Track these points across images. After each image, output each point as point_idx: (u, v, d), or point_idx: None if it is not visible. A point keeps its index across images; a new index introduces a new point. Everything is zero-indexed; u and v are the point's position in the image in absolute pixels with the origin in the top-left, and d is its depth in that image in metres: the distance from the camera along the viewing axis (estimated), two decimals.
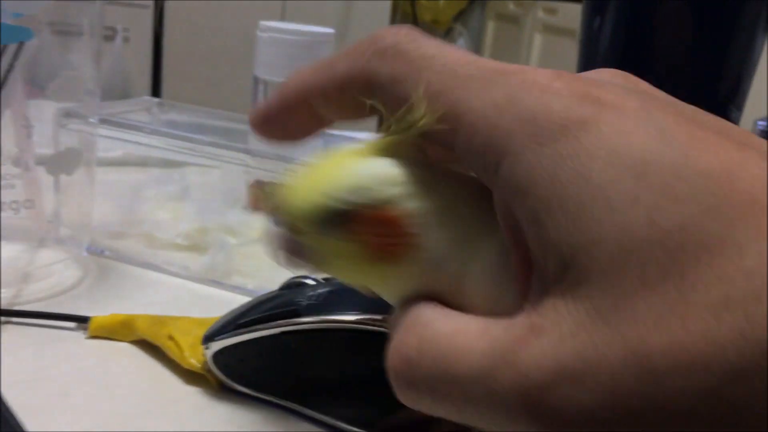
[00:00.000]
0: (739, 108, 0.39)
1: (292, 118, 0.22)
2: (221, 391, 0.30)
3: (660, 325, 0.15)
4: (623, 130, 0.16)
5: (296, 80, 0.22)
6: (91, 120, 0.37)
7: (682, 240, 0.15)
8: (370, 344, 0.28)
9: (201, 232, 0.43)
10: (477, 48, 2.38)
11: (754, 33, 0.39)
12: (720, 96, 0.39)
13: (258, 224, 0.45)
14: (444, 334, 0.18)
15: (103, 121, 0.40)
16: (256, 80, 0.50)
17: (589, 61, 0.42)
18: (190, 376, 0.31)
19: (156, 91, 1.89)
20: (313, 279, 0.32)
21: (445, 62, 0.19)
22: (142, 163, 0.47)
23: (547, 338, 0.16)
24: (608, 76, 0.20)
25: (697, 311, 0.14)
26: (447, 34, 2.37)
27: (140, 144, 0.42)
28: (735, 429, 0.14)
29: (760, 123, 0.45)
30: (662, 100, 0.18)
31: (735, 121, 0.39)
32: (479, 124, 0.17)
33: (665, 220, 0.15)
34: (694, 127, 0.16)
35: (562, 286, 0.16)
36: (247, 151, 0.42)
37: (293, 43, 0.48)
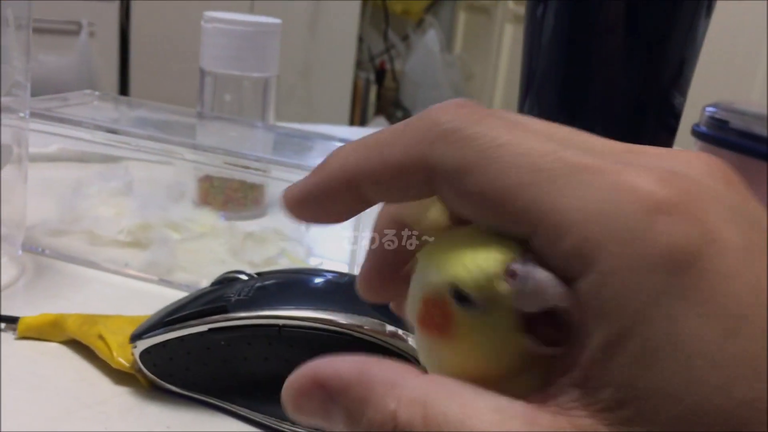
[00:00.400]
0: (683, 94, 0.39)
1: (335, 201, 0.21)
2: (152, 391, 0.30)
3: None
4: (725, 273, 0.15)
5: (341, 161, 0.20)
6: (22, 114, 0.36)
7: (747, 417, 0.15)
8: (300, 340, 0.28)
9: (143, 228, 0.42)
10: (448, 39, 2.38)
11: (696, 19, 0.39)
12: (663, 82, 0.38)
13: (204, 219, 0.45)
14: (454, 412, 0.17)
15: (36, 116, 0.38)
16: (202, 72, 0.49)
17: (533, 50, 0.42)
18: (119, 376, 0.30)
19: (124, 85, 1.86)
20: (246, 274, 0.31)
21: (519, 151, 0.17)
22: (79, 158, 0.46)
23: None
24: (701, 170, 0.18)
25: None
26: (418, 26, 2.36)
27: (77, 139, 0.41)
28: None
29: (709, 109, 0.44)
30: (761, 231, 0.17)
31: (679, 106, 0.39)
32: (564, 228, 0.16)
33: (740, 393, 0.15)
34: None
35: (612, 417, 0.15)
36: (193, 146, 0.42)
37: (238, 33, 0.47)
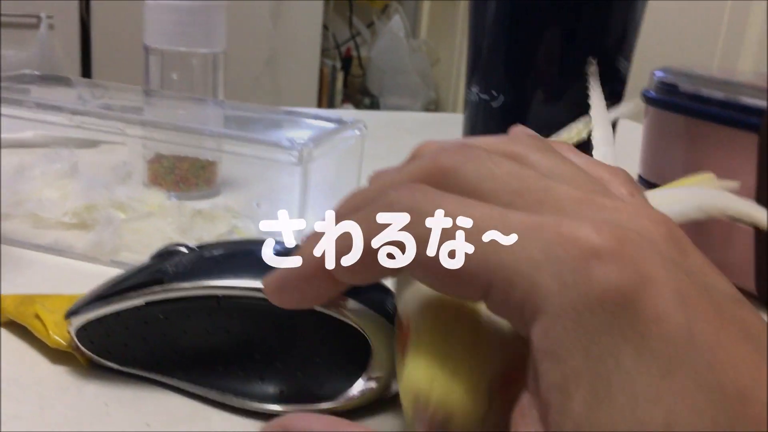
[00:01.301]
0: (627, 58, 0.38)
1: (311, 286, 0.23)
2: (91, 369, 0.29)
3: None
4: (658, 315, 0.16)
5: (309, 250, 0.22)
6: None
7: None
8: (241, 311, 0.27)
9: (88, 210, 0.41)
10: (414, 25, 2.37)
11: None
12: (608, 48, 0.38)
13: (152, 199, 0.44)
14: None
15: None
16: (146, 49, 0.48)
17: (478, 25, 0.42)
18: (57, 355, 0.29)
19: (87, 76, 1.83)
20: (187, 246, 0.30)
21: (466, 209, 0.19)
22: (19, 144, 0.44)
23: None
24: (646, 227, 0.19)
25: None
26: (383, 12, 2.35)
27: (18, 118, 0.40)
28: None
29: (657, 74, 0.44)
30: (696, 277, 0.18)
31: (624, 70, 0.38)
32: (515, 280, 0.17)
33: (681, 427, 0.15)
34: (719, 324, 0.17)
35: None
36: (141, 123, 0.41)
37: (183, 8, 0.46)
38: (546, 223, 0.18)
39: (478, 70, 0.43)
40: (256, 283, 0.27)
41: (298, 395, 0.27)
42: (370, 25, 2.35)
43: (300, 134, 0.38)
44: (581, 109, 0.36)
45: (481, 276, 0.18)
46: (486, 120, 0.42)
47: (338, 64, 2.28)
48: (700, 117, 0.42)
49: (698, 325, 0.16)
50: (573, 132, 0.37)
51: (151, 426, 0.26)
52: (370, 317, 0.28)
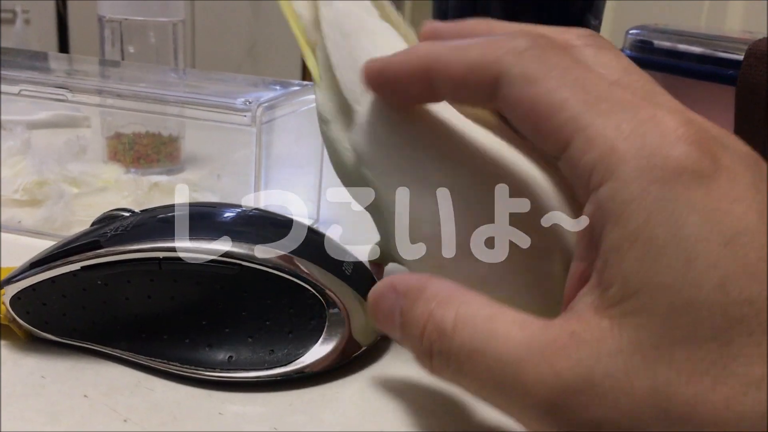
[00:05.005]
0: (597, 17, 0.37)
1: (408, 81, 0.23)
2: (29, 342, 0.27)
3: (691, 377, 0.16)
4: (730, 196, 0.17)
5: (425, 49, 0.23)
6: None
7: (743, 313, 0.16)
8: (184, 274, 0.25)
9: (39, 185, 0.39)
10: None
11: None
12: (577, 5, 0.36)
13: (108, 174, 0.42)
14: (482, 317, 0.20)
15: None
16: (101, 21, 0.46)
17: None
18: None
19: None
20: (129, 211, 0.28)
21: (579, 76, 0.19)
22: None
23: (586, 350, 0.17)
24: (734, 139, 0.20)
25: (730, 378, 0.16)
26: None
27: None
28: None
29: (632, 32, 0.43)
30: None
31: (595, 28, 0.37)
32: (598, 141, 0.18)
33: (736, 291, 0.16)
34: None
35: (616, 311, 0.17)
36: (98, 92, 0.38)
37: None
38: (643, 105, 0.19)
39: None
40: (200, 245, 0.25)
41: (248, 361, 0.25)
42: None
43: (257, 97, 0.36)
44: None
45: (568, 127, 0.19)
46: None
47: None
48: (677, 73, 0.41)
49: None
50: None
51: (89, 396, 0.24)
52: (330, 279, 0.26)
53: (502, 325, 0.19)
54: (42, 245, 0.36)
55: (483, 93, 0.21)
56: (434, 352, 0.20)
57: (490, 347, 0.19)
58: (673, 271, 0.16)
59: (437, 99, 0.24)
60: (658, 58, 0.41)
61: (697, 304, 0.16)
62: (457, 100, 0.24)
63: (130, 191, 0.39)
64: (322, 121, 0.29)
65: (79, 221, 0.37)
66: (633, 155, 0.18)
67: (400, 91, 0.24)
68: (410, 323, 0.21)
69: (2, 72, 0.36)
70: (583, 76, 0.19)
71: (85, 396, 0.24)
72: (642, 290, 0.17)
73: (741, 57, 0.37)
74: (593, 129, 0.18)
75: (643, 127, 0.18)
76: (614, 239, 0.17)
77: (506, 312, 0.20)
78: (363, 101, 0.27)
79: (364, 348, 0.27)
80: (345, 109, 0.28)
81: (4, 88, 0.37)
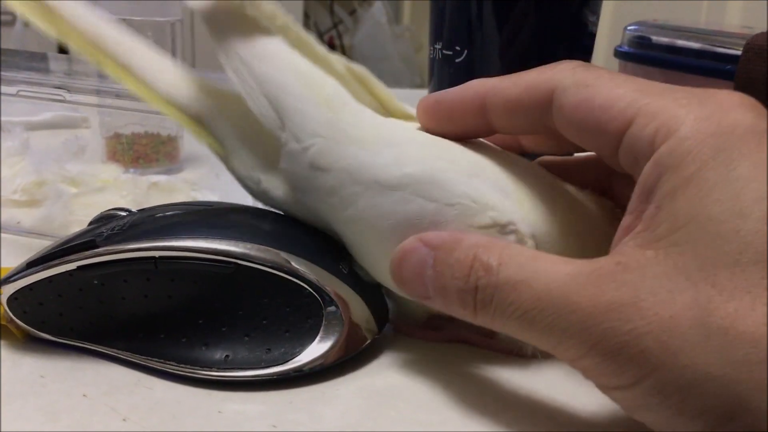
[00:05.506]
0: (594, 12, 0.37)
1: (463, 111, 0.25)
2: (27, 342, 0.27)
3: (733, 295, 0.17)
4: None
5: (480, 81, 0.25)
6: None
7: None
8: (181, 273, 0.25)
9: (38, 185, 0.39)
10: (396, 11, 2.34)
11: None
12: (575, 1, 0.36)
13: (107, 174, 0.42)
14: (526, 256, 0.21)
15: None
16: None
17: None
18: None
19: None
20: (126, 210, 0.28)
21: (626, 78, 0.22)
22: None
23: (631, 274, 0.18)
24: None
25: None
26: None
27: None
28: (741, 405, 0.16)
29: (630, 28, 0.43)
30: None
31: (592, 26, 0.37)
32: (659, 113, 0.20)
33: None
34: None
35: (662, 243, 0.18)
36: (97, 91, 0.38)
37: None
38: (694, 89, 0.21)
39: (443, 33, 0.42)
40: (196, 243, 0.25)
41: (245, 360, 0.25)
42: (352, 12, 2.32)
43: None
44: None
45: (629, 110, 0.20)
46: (451, 75, 0.40)
47: None
48: (675, 68, 0.41)
49: None
50: None
51: (88, 396, 0.24)
52: (326, 277, 0.26)
53: (546, 261, 0.20)
54: (41, 245, 0.36)
55: (537, 110, 0.23)
56: (479, 287, 0.21)
57: (537, 278, 0.20)
58: (721, 204, 0.18)
59: (490, 130, 0.25)
60: (656, 54, 0.41)
61: (742, 232, 0.17)
62: (510, 127, 0.25)
63: (129, 191, 0.39)
64: (254, 183, 0.28)
65: (78, 221, 0.37)
66: (692, 118, 0.19)
67: (456, 121, 0.25)
68: (450, 268, 0.22)
69: (1, 73, 0.36)
70: (629, 77, 0.21)
71: (84, 395, 0.24)
72: (690, 223, 0.18)
73: (739, 52, 0.37)
74: (654, 104, 0.20)
75: (700, 98, 0.20)
76: (668, 187, 0.19)
77: (548, 254, 0.21)
78: (287, 125, 0.26)
79: (362, 346, 0.27)
80: (267, 151, 0.27)
81: (3, 89, 0.37)
